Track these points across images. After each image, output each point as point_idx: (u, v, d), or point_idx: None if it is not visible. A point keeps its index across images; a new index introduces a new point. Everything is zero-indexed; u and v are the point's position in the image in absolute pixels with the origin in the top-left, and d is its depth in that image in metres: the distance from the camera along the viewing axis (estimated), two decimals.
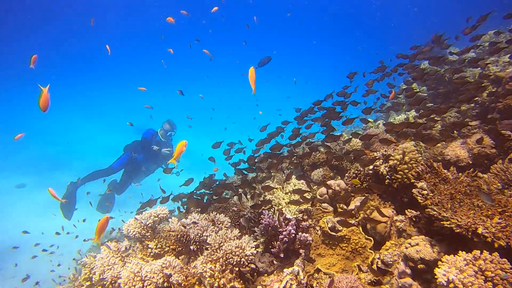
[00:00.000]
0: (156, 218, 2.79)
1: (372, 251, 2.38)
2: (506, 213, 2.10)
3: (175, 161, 2.87)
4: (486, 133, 2.85)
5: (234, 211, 2.97)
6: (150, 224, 2.78)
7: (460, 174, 2.41)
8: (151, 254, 2.69)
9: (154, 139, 6.00)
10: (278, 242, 2.52)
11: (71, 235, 6.04)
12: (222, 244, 2.39)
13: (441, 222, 2.05)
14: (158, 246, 2.74)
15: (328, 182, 2.80)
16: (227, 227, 2.64)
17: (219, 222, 2.67)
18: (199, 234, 2.56)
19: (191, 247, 2.61)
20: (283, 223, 2.56)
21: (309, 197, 2.77)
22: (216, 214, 2.73)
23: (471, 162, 2.73)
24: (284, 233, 2.51)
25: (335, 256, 2.52)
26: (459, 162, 2.76)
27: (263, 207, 2.71)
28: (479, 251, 1.82)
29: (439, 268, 1.81)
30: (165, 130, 6.04)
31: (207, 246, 2.42)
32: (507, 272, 1.71)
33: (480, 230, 1.93)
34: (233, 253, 2.31)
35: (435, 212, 2.10)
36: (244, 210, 2.89)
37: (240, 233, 2.52)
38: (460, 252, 1.86)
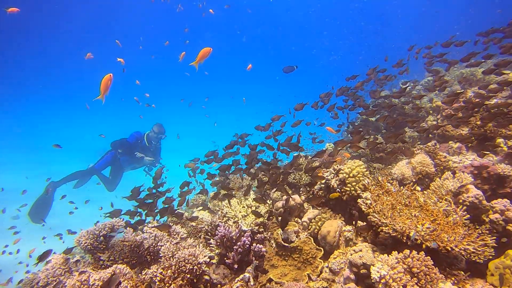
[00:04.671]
0: (110, 230, 2.92)
1: (321, 261, 2.64)
2: (436, 221, 2.47)
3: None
4: (427, 154, 3.32)
5: (193, 226, 3.16)
6: (103, 236, 2.90)
7: (401, 187, 2.79)
8: (103, 266, 2.79)
9: (139, 144, 6.22)
10: (232, 253, 2.72)
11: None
12: (175, 252, 2.57)
13: (380, 228, 2.38)
14: (110, 258, 2.84)
15: (285, 198, 3.10)
16: (183, 238, 2.82)
17: (175, 233, 2.84)
18: (153, 244, 2.71)
19: (146, 258, 2.75)
20: (238, 235, 2.78)
21: (265, 211, 3.04)
22: (172, 226, 2.91)
23: (414, 180, 3.15)
24: (238, 243, 2.73)
25: (288, 267, 2.75)
26: (404, 180, 3.17)
27: (219, 220, 2.93)
28: (408, 251, 2.14)
29: (374, 266, 2.11)
30: (155, 133, 6.30)
31: (161, 255, 2.59)
32: (429, 268, 2.04)
33: (411, 234, 2.27)
34: (186, 260, 2.48)
35: (375, 219, 2.44)
36: (202, 223, 3.09)
37: (195, 243, 2.72)
38: (393, 252, 2.18)
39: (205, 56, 3.45)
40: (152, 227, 2.90)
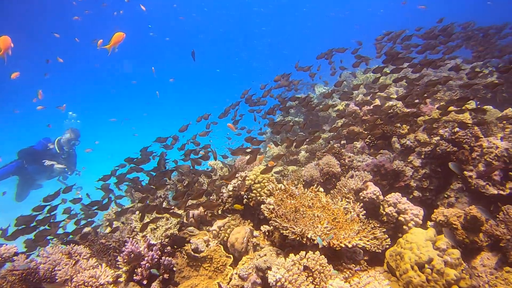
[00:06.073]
0: None
1: (231, 268, 2.70)
2: (336, 219, 2.67)
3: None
4: (333, 155, 3.58)
5: (102, 243, 3.02)
6: None
7: (305, 190, 2.97)
8: None
9: (48, 151, 5.79)
10: (140, 269, 2.66)
11: None
12: (74, 276, 2.43)
13: (281, 231, 2.51)
14: None
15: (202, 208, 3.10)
16: (85, 258, 2.68)
17: (76, 254, 2.69)
18: (49, 269, 2.54)
19: (42, 286, 2.55)
20: (146, 249, 2.72)
21: (176, 222, 3.02)
22: (73, 246, 2.75)
23: (322, 181, 3.37)
24: (146, 258, 2.67)
25: (199, 277, 2.76)
26: (313, 181, 3.37)
27: (127, 235, 2.84)
28: (304, 252, 2.28)
29: (270, 270, 2.21)
30: (68, 139, 5.94)
31: (57, 280, 2.43)
32: (323, 267, 2.20)
33: (309, 235, 2.42)
34: (86, 283, 2.37)
35: (277, 223, 2.56)
36: (109, 241, 2.96)
37: (97, 263, 2.60)
38: (290, 254, 2.31)
39: (119, 41, 3.78)
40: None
